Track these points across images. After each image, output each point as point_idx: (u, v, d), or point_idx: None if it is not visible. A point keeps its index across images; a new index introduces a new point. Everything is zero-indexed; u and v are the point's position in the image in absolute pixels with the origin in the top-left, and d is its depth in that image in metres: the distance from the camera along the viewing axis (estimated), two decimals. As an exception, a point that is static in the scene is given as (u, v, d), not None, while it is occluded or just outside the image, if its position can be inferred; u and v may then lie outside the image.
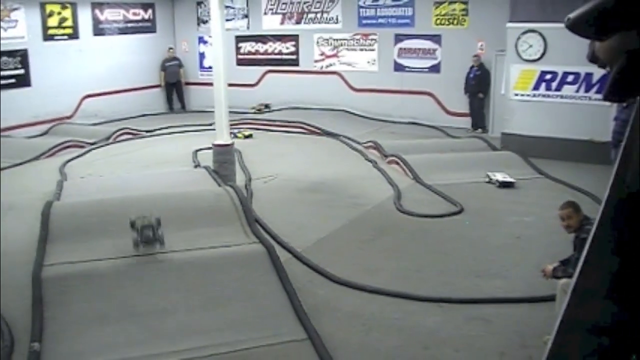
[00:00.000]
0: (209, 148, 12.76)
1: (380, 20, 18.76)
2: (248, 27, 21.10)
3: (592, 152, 13.35)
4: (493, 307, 7.37)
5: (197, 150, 14.97)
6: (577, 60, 13.27)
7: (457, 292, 7.76)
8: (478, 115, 17.20)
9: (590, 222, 6.33)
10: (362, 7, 18.97)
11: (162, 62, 21.70)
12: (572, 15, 1.49)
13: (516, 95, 14.65)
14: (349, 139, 16.49)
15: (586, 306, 1.30)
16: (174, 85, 22.02)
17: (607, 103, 13.25)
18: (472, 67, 17.01)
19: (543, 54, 14.20)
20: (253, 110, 20.11)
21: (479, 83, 16.92)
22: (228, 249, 8.31)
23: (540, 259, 7.59)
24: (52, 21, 18.60)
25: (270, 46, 20.77)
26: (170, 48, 21.92)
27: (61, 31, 18.88)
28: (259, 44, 20.95)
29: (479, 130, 17.05)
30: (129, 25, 20.95)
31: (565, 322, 1.28)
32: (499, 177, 12.21)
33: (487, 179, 12.34)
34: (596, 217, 1.48)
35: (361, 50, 19.22)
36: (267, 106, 20.39)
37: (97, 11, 19.85)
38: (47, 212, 9.06)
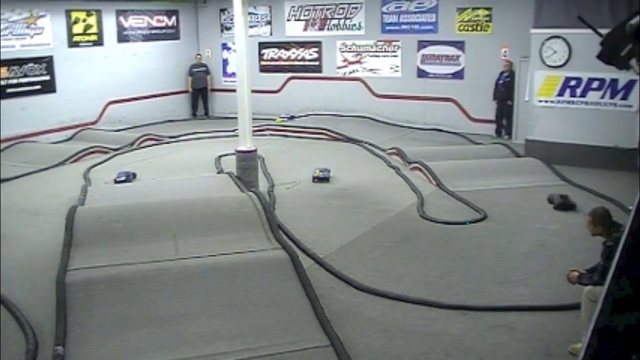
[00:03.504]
0: (232, 154, 12.79)
1: (403, 27, 18.74)
2: (271, 34, 21.17)
3: (617, 159, 13.25)
4: (517, 314, 7.31)
5: (220, 156, 15.03)
6: (602, 66, 13.10)
7: (480, 299, 7.72)
8: (506, 121, 17.07)
9: (620, 229, 6.26)
10: (385, 13, 18.97)
11: (189, 67, 21.87)
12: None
13: (540, 101, 14.55)
14: (372, 145, 16.47)
15: (618, 314, 1.29)
16: (200, 92, 22.15)
17: (633, 109, 13.16)
18: (502, 73, 16.91)
19: (567, 60, 14.08)
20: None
21: (508, 89, 16.81)
22: (251, 254, 8.31)
23: (565, 266, 7.51)
24: (78, 28, 18.78)
25: (294, 53, 20.81)
26: (198, 54, 22.08)
27: (86, 38, 19.06)
28: (282, 51, 21.01)
29: (506, 137, 16.94)
30: (153, 32, 21.10)
31: (597, 330, 1.27)
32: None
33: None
34: (626, 225, 1.46)
35: (384, 56, 19.20)
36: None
37: (121, 18, 20.02)
38: (71, 216, 9.11)
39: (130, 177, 13.53)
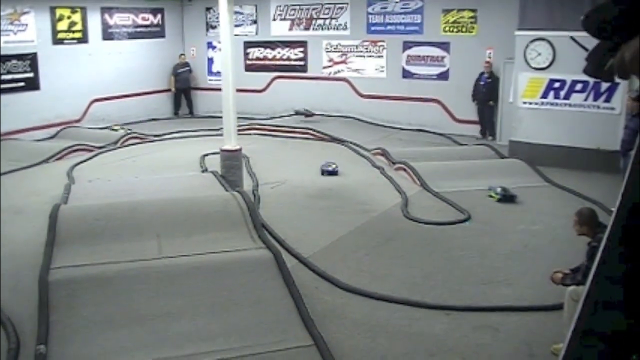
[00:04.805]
0: (217, 153, 12.77)
1: (388, 27, 18.77)
2: (257, 33, 21.13)
3: (600, 161, 13.35)
4: (500, 315, 7.35)
5: (204, 155, 14.99)
6: (586, 68, 13.23)
7: (464, 299, 7.74)
8: (488, 122, 17.17)
9: (605, 230, 6.30)
10: (370, 13, 18.99)
11: (173, 67, 21.76)
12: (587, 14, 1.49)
13: (524, 103, 14.62)
14: (356, 145, 16.48)
15: (599, 315, 1.30)
16: (183, 91, 22.05)
17: (615, 112, 13.25)
18: (482, 74, 16.97)
19: (552, 62, 14.17)
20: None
21: (490, 91, 16.88)
22: (235, 254, 8.30)
23: (548, 267, 7.56)
24: (62, 25, 18.66)
25: (279, 52, 20.79)
26: (182, 54, 21.98)
27: (70, 35, 18.94)
28: (268, 50, 20.99)
29: (490, 137, 17.01)
30: (138, 30, 21.00)
31: (578, 331, 1.28)
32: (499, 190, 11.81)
33: (488, 193, 12.00)
34: (607, 226, 1.47)
35: (369, 57, 19.22)
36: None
37: (106, 16, 19.91)
38: (54, 215, 9.07)
39: (334, 169, 13.71)
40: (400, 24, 18.57)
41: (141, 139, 17.75)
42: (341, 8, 19.49)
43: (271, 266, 7.99)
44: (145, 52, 21.19)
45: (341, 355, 6.40)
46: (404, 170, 13.53)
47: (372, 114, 19.17)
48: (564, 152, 13.98)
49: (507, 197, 11.70)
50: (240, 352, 6.41)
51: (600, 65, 1.64)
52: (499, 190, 11.85)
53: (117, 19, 20.24)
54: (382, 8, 18.77)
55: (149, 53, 21.31)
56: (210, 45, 22.09)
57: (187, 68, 21.98)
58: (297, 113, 17.49)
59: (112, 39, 20.17)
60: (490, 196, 11.88)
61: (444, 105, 18.17)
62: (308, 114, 18.34)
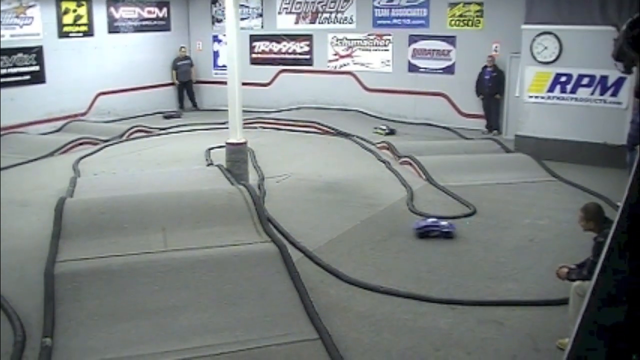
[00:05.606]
0: (222, 147, 12.76)
1: (394, 21, 18.71)
2: (262, 27, 21.10)
3: (606, 156, 13.31)
4: (506, 309, 7.34)
5: (210, 149, 14.98)
6: (593, 62, 13.21)
7: (469, 294, 7.74)
8: (494, 117, 17.12)
9: (611, 225, 6.28)
10: (376, 7, 18.93)
11: (173, 61, 21.71)
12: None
13: (531, 97, 14.58)
14: (362, 139, 16.46)
15: (605, 309, 1.29)
16: (185, 85, 22.00)
17: (622, 106, 13.23)
18: (485, 68, 16.92)
19: (558, 56, 14.11)
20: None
21: (496, 84, 16.82)
22: (240, 247, 8.30)
23: (554, 262, 7.55)
24: (68, 18, 18.66)
25: (285, 45, 20.75)
26: (182, 47, 21.92)
27: (76, 28, 18.93)
28: (273, 43, 20.95)
29: (495, 132, 16.97)
30: (144, 23, 20.98)
31: (584, 325, 1.27)
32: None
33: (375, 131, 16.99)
34: (614, 221, 1.46)
35: (375, 50, 19.17)
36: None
37: (112, 9, 19.89)
38: (60, 208, 9.08)
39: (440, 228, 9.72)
40: (407, 17, 18.51)
41: (147, 132, 17.75)
42: (347, 1, 19.43)
43: (276, 260, 8.00)
44: (151, 46, 21.16)
45: (346, 348, 6.41)
46: (410, 164, 13.52)
47: (378, 107, 19.13)
48: (570, 147, 13.94)
49: (390, 131, 17.08)
50: (246, 346, 6.42)
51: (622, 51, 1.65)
52: (383, 127, 17.33)
53: (122, 12, 20.21)
54: (388, 1, 18.71)
55: (155, 46, 21.29)
56: (215, 39, 22.07)
57: (188, 61, 21.90)
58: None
59: (117, 32, 20.15)
60: (378, 133, 17.01)
61: (450, 99, 18.12)
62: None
